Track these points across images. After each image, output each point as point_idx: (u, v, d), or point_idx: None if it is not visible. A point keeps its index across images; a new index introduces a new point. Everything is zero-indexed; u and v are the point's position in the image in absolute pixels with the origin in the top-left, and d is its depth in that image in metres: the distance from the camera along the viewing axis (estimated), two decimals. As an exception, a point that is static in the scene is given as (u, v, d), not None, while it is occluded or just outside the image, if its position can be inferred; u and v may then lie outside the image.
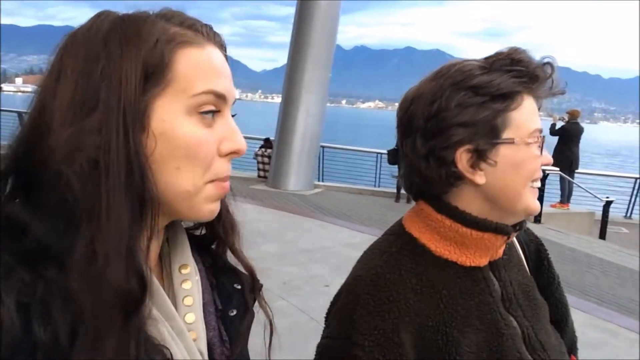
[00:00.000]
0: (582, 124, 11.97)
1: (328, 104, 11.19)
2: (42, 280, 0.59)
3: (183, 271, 0.79)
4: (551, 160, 1.05)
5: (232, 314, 0.83)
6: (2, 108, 13.36)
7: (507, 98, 0.98)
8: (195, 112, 0.68)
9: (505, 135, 0.99)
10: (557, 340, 1.13)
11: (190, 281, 0.78)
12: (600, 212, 10.62)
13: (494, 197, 1.03)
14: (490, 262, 1.08)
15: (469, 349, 0.99)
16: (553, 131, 11.53)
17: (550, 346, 1.08)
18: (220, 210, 0.77)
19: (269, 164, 11.44)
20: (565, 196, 11.55)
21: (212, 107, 0.70)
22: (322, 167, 13.26)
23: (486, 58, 1.02)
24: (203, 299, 0.80)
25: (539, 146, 1.02)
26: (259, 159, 11.88)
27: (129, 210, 0.62)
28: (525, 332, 1.06)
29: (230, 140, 0.71)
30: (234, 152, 0.72)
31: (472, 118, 0.98)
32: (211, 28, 0.75)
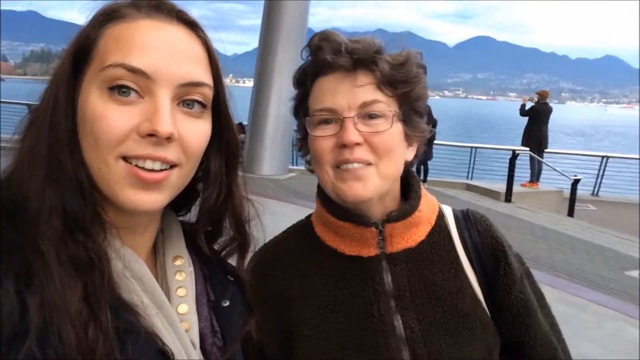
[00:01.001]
0: (551, 104, 12.19)
1: (300, 88, 11.10)
2: (41, 260, 0.61)
3: (177, 262, 0.79)
4: (350, 139, 0.97)
5: (225, 305, 0.83)
6: (3, 100, 13.10)
7: (301, 85, 1.08)
8: (104, 86, 0.66)
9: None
10: (472, 357, 1.03)
11: (184, 272, 0.79)
12: (569, 191, 10.87)
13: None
14: (387, 254, 1.05)
15: (324, 333, 1.03)
16: (523, 112, 11.72)
17: (444, 358, 1.01)
18: (239, 225, 0.83)
19: (242, 149, 11.33)
20: (535, 175, 11.78)
21: (127, 83, 0.66)
22: (296, 152, 13.21)
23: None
24: (196, 290, 0.80)
25: (321, 124, 1.02)
26: (232, 144, 11.76)
27: (56, 186, 0.65)
28: (408, 335, 1.01)
29: (149, 121, 0.66)
30: (152, 134, 0.66)
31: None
32: (161, 4, 0.71)
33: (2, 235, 0.61)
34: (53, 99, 0.67)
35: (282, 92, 10.62)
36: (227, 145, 0.82)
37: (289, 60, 10.64)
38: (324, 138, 1.00)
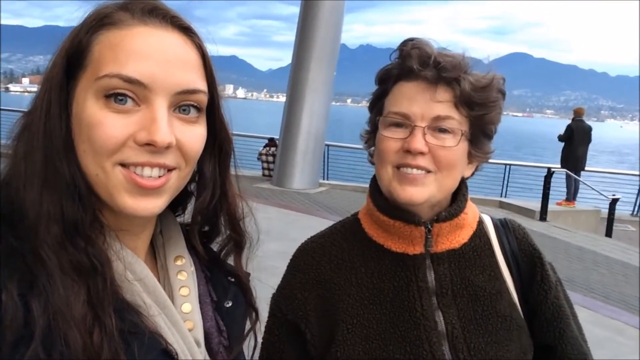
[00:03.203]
0: (589, 122, 11.89)
1: (333, 103, 11.19)
2: (42, 264, 0.61)
3: (178, 262, 0.80)
4: (416, 147, 1.00)
5: (227, 306, 0.84)
6: (5, 108, 13.37)
7: (382, 83, 1.11)
8: (101, 95, 0.66)
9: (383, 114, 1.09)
10: (508, 357, 1.06)
11: (185, 272, 0.79)
12: (607, 210, 10.57)
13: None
14: (431, 254, 1.09)
15: (367, 323, 1.07)
16: (561, 137, 11.52)
17: (483, 354, 1.04)
18: (234, 223, 0.83)
19: (273, 162, 11.45)
20: (571, 194, 11.50)
21: (123, 92, 0.66)
22: (327, 166, 13.27)
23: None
24: (199, 290, 0.81)
25: (393, 127, 1.05)
26: (263, 157, 11.89)
27: (55, 193, 0.65)
28: (449, 330, 1.05)
29: (147, 130, 0.67)
30: (148, 143, 0.67)
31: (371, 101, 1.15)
32: (155, 8, 0.70)
33: (3, 240, 0.62)
34: (46, 104, 0.67)
35: (314, 107, 10.73)
36: (221, 146, 0.82)
37: (321, 75, 10.75)
38: (392, 139, 1.04)
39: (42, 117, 0.66)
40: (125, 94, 0.66)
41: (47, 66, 0.70)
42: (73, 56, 0.68)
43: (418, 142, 1.00)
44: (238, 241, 0.86)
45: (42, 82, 0.69)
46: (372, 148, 1.13)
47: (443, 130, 1.02)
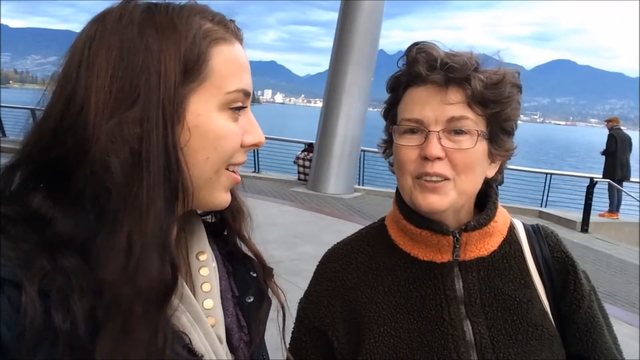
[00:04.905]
0: (636, 132, 11.49)
1: (370, 109, 11.16)
2: (61, 271, 0.59)
3: (200, 258, 0.80)
4: (432, 153, 0.98)
5: (249, 301, 0.84)
6: (6, 105, 13.40)
7: (393, 91, 1.10)
8: (226, 107, 0.72)
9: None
10: None
11: (207, 268, 0.80)
12: (653, 223, 10.19)
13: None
14: (459, 262, 1.07)
15: (394, 332, 1.05)
16: (604, 152, 11.19)
17: None
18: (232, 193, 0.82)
19: (309, 167, 11.51)
20: (614, 205, 11.13)
21: (240, 104, 0.74)
22: (363, 171, 13.23)
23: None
24: (220, 285, 0.81)
25: (406, 134, 1.03)
26: (300, 162, 11.97)
27: (166, 201, 0.64)
28: (477, 340, 1.03)
29: (252, 134, 0.76)
30: (255, 145, 0.76)
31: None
32: (235, 24, 0.77)
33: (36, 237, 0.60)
34: (162, 110, 0.65)
35: (350, 113, 10.74)
36: None
37: (358, 81, 10.76)
38: (408, 148, 1.03)
39: (159, 123, 0.64)
40: (241, 106, 0.74)
41: (153, 72, 0.66)
42: (190, 65, 0.69)
43: (434, 148, 0.98)
44: (238, 208, 0.86)
45: (154, 87, 0.65)
46: (392, 157, 1.12)
47: (459, 133, 1.00)
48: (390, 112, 1.10)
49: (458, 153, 0.99)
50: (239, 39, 0.76)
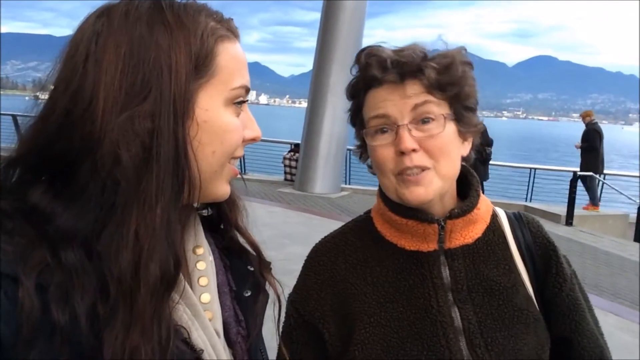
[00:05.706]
0: (617, 125, 11.66)
1: (355, 107, 11.18)
2: (63, 266, 0.59)
3: (197, 252, 0.81)
4: (406, 145, 1.00)
5: (246, 295, 0.85)
6: (2, 112, 13.36)
7: (354, 97, 1.13)
8: (230, 103, 0.74)
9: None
10: (525, 350, 1.06)
11: (204, 262, 0.80)
12: (635, 215, 10.34)
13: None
14: (445, 250, 1.09)
15: (384, 322, 1.07)
16: (592, 144, 11.23)
17: (500, 349, 1.04)
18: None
19: (296, 167, 11.51)
20: (596, 198, 11.28)
21: (242, 99, 0.76)
22: (349, 170, 13.28)
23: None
24: (217, 279, 0.82)
25: (377, 133, 1.06)
26: (287, 162, 11.97)
27: (174, 195, 0.66)
28: (466, 326, 1.06)
29: (251, 129, 0.79)
30: (253, 139, 0.79)
31: None
32: (229, 21, 0.79)
33: (29, 230, 0.60)
34: (173, 105, 0.66)
35: (335, 112, 10.75)
36: None
37: (343, 80, 10.64)
38: (382, 147, 1.05)
39: (170, 118, 0.65)
40: (243, 100, 0.77)
41: (164, 67, 0.66)
42: (200, 61, 0.70)
43: (407, 141, 1.01)
44: (234, 200, 0.87)
45: (165, 82, 0.66)
46: (369, 160, 1.14)
47: (426, 121, 1.03)
48: (357, 118, 1.13)
49: (431, 140, 1.02)
50: (238, 36, 0.79)
